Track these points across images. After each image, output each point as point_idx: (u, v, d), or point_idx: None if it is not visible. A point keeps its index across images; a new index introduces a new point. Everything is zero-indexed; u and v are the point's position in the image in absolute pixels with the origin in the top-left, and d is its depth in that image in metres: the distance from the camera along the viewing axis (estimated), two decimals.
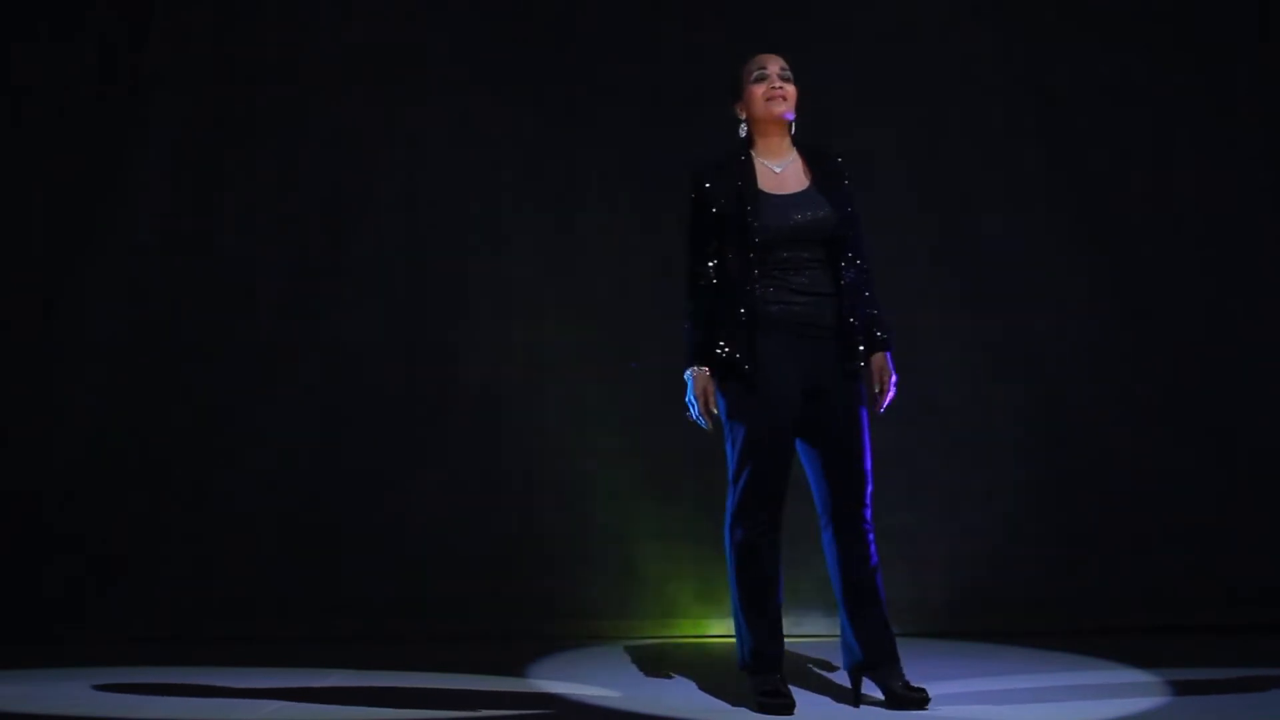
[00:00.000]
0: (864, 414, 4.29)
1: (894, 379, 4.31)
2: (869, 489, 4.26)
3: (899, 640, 4.31)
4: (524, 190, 6.22)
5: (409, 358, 6.16)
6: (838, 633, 4.37)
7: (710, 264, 4.30)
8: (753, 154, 4.36)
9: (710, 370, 4.27)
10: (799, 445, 4.29)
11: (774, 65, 4.36)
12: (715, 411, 4.27)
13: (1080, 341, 6.12)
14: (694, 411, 4.30)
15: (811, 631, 5.63)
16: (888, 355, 4.32)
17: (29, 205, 6.20)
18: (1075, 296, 6.14)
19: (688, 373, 4.31)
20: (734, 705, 4.37)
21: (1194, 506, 6.01)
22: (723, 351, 4.22)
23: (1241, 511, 6.02)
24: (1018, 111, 6.20)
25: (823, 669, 4.89)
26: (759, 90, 4.33)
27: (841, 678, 4.41)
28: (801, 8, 6.20)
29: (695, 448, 5.95)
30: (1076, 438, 6.07)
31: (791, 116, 4.36)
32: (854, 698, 4.34)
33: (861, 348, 4.26)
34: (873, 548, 4.27)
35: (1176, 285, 6.14)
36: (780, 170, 4.34)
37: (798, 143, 4.41)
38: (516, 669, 5.13)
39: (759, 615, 4.26)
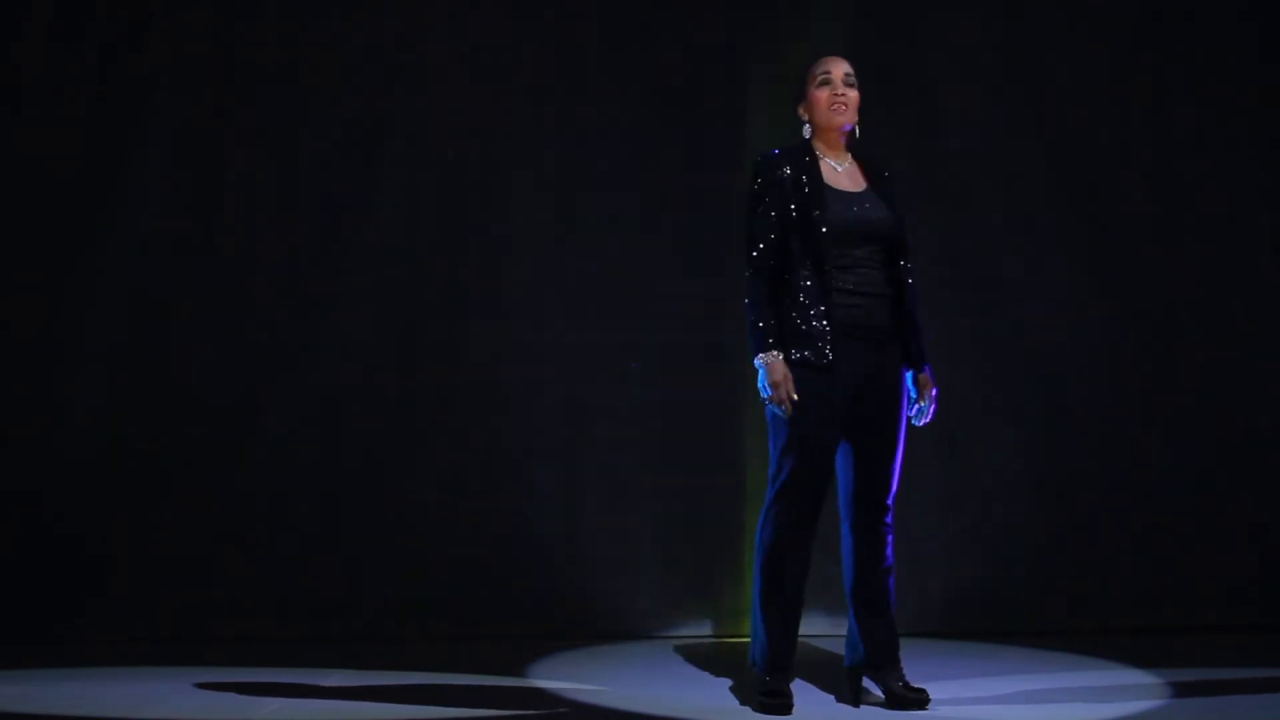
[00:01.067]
0: (904, 416, 4.30)
1: (934, 391, 4.34)
2: (893, 490, 4.28)
3: (899, 640, 4.32)
4: (525, 190, 6.21)
5: (409, 357, 6.15)
6: (837, 632, 4.37)
7: (770, 251, 4.26)
8: (816, 151, 4.35)
9: (776, 356, 4.19)
10: None
11: (839, 70, 4.33)
12: (795, 396, 4.16)
13: (1080, 341, 6.12)
14: (769, 400, 4.21)
15: (811, 631, 5.61)
16: (927, 369, 4.33)
17: (29, 205, 6.20)
18: (1075, 296, 6.14)
19: (758, 359, 4.21)
20: (734, 705, 4.37)
21: (1194, 506, 6.02)
22: (796, 354, 4.18)
23: (1241, 511, 6.03)
24: (1018, 111, 6.20)
25: (823, 669, 4.88)
26: (822, 96, 4.32)
27: (842, 678, 4.41)
28: (801, 7, 6.21)
29: (695, 447, 6.00)
30: (1076, 438, 6.08)
31: (851, 126, 4.35)
32: (854, 698, 4.34)
33: (911, 354, 4.31)
34: (889, 549, 4.28)
35: (1176, 285, 6.15)
36: (840, 170, 4.34)
37: (851, 148, 4.40)
38: (516, 669, 5.13)
39: (777, 615, 4.25)
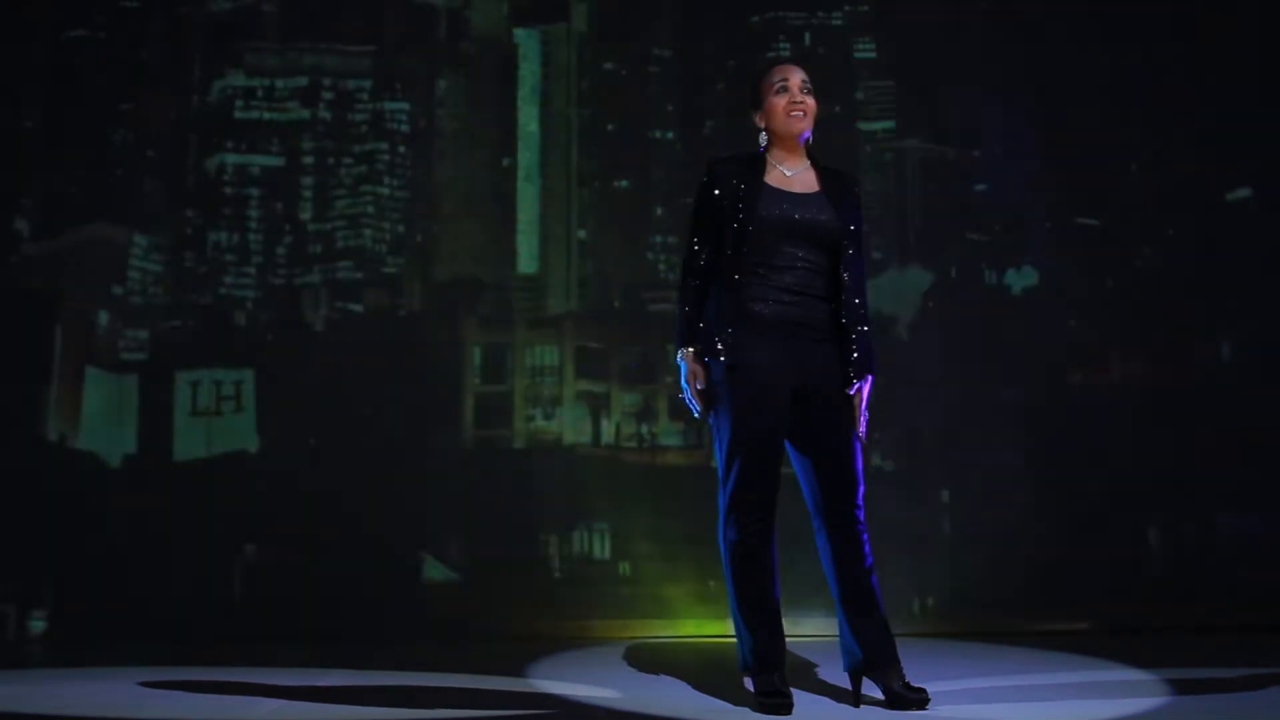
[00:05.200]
0: (855, 432, 4.27)
1: (862, 405, 4.24)
2: (861, 489, 4.24)
3: (899, 640, 4.29)
4: (526, 191, 6.21)
5: (410, 357, 6.17)
6: (837, 633, 4.35)
7: (706, 250, 4.28)
8: (768, 156, 4.35)
9: (697, 352, 4.25)
10: (789, 448, 4.27)
11: (796, 78, 4.32)
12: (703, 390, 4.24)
13: (1080, 342, 6.13)
14: (687, 394, 4.27)
15: (811, 631, 5.63)
16: (864, 385, 4.28)
17: (29, 205, 6.19)
18: (1076, 296, 6.15)
19: (679, 355, 4.28)
20: (734, 705, 4.35)
21: (1194, 506, 6.03)
22: (715, 342, 4.21)
23: (1241, 511, 6.03)
24: (1018, 110, 6.21)
25: (823, 669, 4.88)
26: (780, 103, 4.30)
27: (841, 678, 4.40)
28: (802, 5, 6.21)
29: (694, 446, 6.01)
30: (1076, 437, 6.09)
31: (808, 134, 4.33)
32: (854, 698, 4.32)
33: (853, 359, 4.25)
34: (867, 548, 4.25)
35: (1176, 285, 6.15)
36: (792, 174, 4.32)
37: (814, 157, 4.38)
38: (516, 669, 5.12)
39: (756, 615, 4.24)
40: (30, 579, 6.04)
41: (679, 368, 4.28)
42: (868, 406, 4.27)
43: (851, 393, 4.25)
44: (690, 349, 4.25)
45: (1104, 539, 6.03)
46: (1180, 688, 4.59)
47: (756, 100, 4.37)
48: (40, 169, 6.23)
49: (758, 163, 4.32)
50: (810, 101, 4.32)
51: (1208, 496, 6.05)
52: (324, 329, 6.20)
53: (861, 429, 4.25)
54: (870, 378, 4.26)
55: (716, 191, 4.27)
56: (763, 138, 4.35)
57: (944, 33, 6.28)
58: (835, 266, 4.26)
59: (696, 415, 4.28)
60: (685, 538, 6.05)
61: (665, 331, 6.04)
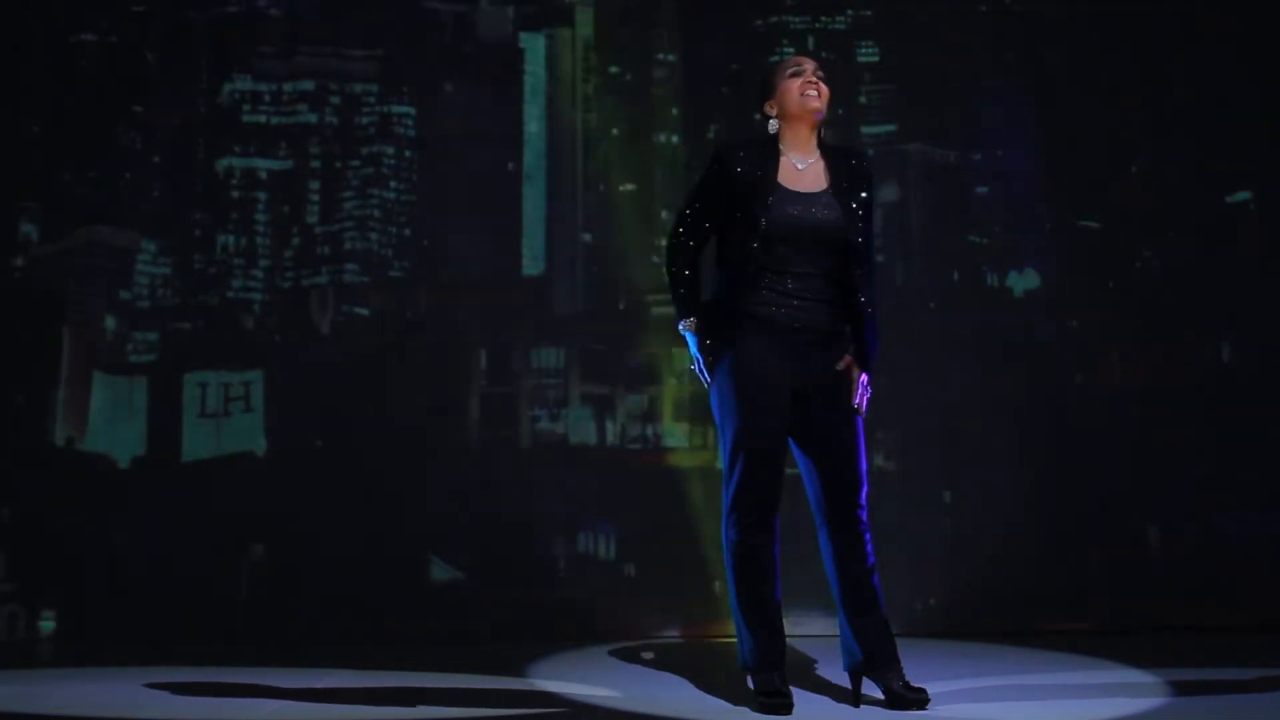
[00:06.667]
0: (857, 416, 4.27)
1: (865, 391, 4.24)
2: (864, 490, 4.24)
3: (899, 640, 4.30)
4: (531, 194, 6.23)
5: (415, 359, 6.17)
6: (837, 633, 4.36)
7: (700, 229, 4.29)
8: (780, 147, 4.34)
9: (698, 323, 4.27)
10: (793, 447, 4.28)
11: (810, 64, 4.33)
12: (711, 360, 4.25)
13: (1080, 341, 6.13)
14: (699, 365, 4.28)
15: (811, 631, 5.64)
16: (865, 370, 4.27)
17: (29, 205, 6.23)
18: (1077, 298, 6.16)
19: (681, 326, 4.30)
20: (734, 705, 4.36)
21: (1194, 506, 6.03)
22: (717, 341, 4.22)
23: (1240, 511, 6.03)
24: (1018, 113, 6.21)
25: (823, 669, 4.89)
26: (795, 84, 4.30)
27: (841, 678, 4.41)
28: (805, 9, 6.23)
29: (698, 448, 6.01)
30: (1077, 438, 6.08)
31: (823, 115, 4.33)
32: (854, 698, 4.33)
33: (848, 354, 4.26)
34: (869, 548, 4.25)
35: (1177, 286, 6.16)
36: (803, 168, 4.31)
37: (823, 145, 4.37)
38: (516, 669, 5.13)
39: (757, 614, 4.25)
40: (39, 580, 6.06)
41: (686, 339, 4.29)
42: (869, 384, 4.25)
43: (840, 368, 4.23)
44: (693, 319, 4.27)
45: (1104, 539, 6.03)
46: (1180, 688, 4.59)
47: (768, 90, 4.35)
48: (47, 173, 6.25)
49: (770, 154, 4.30)
50: (824, 87, 4.32)
51: (1208, 496, 6.05)
52: (331, 331, 6.22)
53: (860, 402, 4.24)
54: (872, 360, 4.26)
55: (727, 180, 4.25)
56: (773, 124, 4.33)
57: (946, 36, 6.29)
58: (841, 266, 4.25)
59: (707, 384, 4.28)
60: (689, 539, 6.06)
61: (670, 333, 6.03)
